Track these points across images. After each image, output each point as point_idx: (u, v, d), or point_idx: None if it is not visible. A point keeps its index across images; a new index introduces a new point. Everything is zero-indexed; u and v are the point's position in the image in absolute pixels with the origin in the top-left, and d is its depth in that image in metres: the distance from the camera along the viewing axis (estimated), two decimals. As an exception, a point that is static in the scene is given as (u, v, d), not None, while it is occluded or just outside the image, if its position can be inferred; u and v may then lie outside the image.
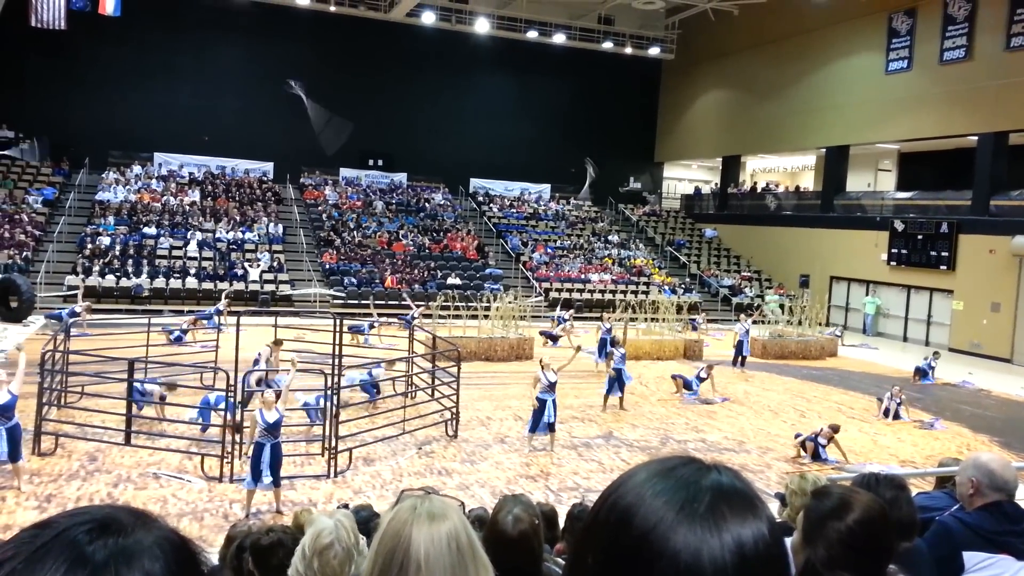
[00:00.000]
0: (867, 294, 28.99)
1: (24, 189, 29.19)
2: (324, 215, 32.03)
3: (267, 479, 8.74)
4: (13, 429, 9.07)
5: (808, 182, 36.83)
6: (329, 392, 10.69)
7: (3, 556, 0.78)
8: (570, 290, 29.42)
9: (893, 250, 27.39)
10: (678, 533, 0.83)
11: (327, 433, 10.38)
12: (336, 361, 10.95)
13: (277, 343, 13.87)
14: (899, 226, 27.24)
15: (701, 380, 16.22)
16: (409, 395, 13.78)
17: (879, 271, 28.19)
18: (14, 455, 9.06)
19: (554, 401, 11.84)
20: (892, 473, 3.13)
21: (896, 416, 15.02)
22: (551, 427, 11.85)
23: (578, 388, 15.95)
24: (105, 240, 26.71)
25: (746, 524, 0.85)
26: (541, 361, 12.59)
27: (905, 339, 27.50)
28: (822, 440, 11.97)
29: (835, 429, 12.18)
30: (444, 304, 21.30)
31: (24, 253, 25.14)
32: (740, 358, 19.78)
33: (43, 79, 29.58)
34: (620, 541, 0.87)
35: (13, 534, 0.83)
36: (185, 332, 19.16)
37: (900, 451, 12.93)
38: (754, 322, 21.59)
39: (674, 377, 16.68)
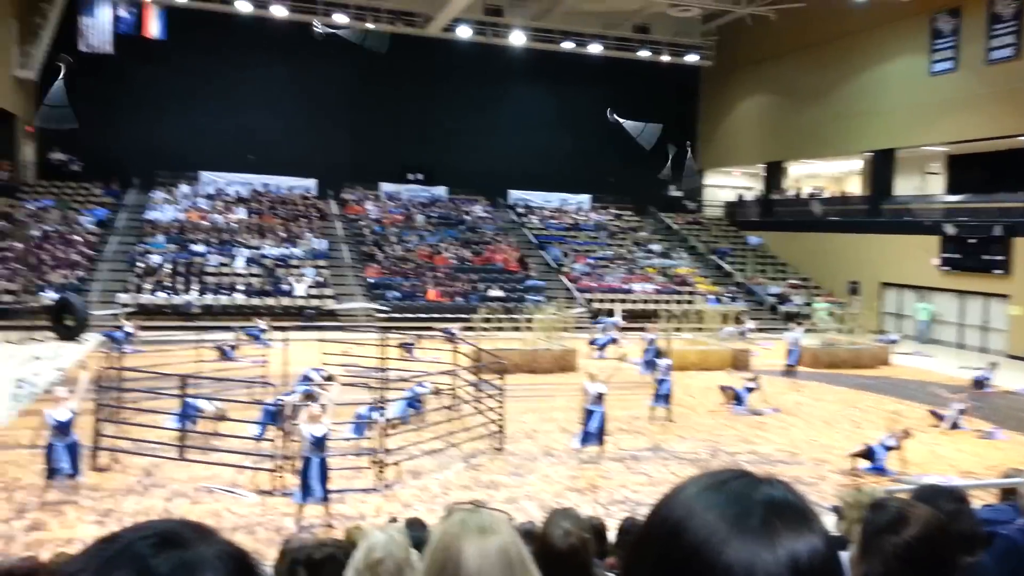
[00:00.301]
0: (919, 300, 28.30)
1: (76, 210, 30.10)
2: (366, 230, 32.42)
3: (316, 493, 8.84)
4: (73, 445, 9.34)
5: (854, 187, 36.11)
6: (377, 406, 10.80)
7: (72, 569, 0.82)
8: (612, 300, 29.26)
9: (945, 255, 26.69)
10: (730, 547, 0.82)
11: (375, 447, 10.47)
12: (382, 374, 11.06)
13: (330, 378, 14.16)
14: (950, 230, 26.55)
15: (750, 391, 15.98)
16: (454, 408, 13.83)
17: (930, 276, 27.47)
18: (74, 470, 9.33)
19: (602, 413, 11.77)
20: (952, 485, 3.04)
21: (955, 425, 14.61)
22: (599, 439, 11.77)
23: (625, 399, 15.82)
24: (155, 258, 27.38)
25: (801, 538, 0.84)
26: (589, 372, 12.54)
27: (960, 346, 26.73)
28: (891, 442, 11.67)
29: (907, 433, 11.93)
30: (487, 317, 21.33)
31: (78, 272, 25.90)
32: (790, 367, 19.43)
33: (93, 102, 30.47)
34: (671, 555, 0.86)
35: (80, 548, 0.87)
36: (233, 348, 19.54)
37: (960, 462, 12.53)
38: (807, 331, 21.18)
39: (723, 388, 16.45)
